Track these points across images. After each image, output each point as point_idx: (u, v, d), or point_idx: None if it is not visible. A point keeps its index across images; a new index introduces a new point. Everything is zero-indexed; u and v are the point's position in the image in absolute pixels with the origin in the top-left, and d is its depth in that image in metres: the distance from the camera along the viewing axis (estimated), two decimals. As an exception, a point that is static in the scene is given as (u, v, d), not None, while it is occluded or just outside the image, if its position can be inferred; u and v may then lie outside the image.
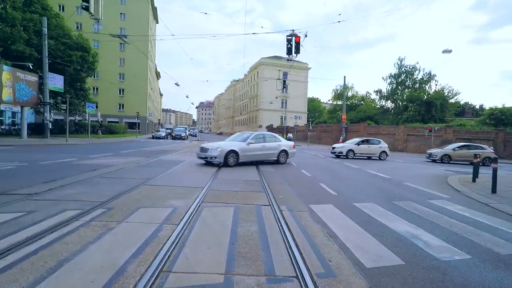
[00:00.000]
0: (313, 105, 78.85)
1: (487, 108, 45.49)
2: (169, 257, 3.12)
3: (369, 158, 19.52)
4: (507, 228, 4.82)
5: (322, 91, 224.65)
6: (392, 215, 5.28)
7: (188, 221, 4.37)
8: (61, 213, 4.42)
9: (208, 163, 11.44)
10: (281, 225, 4.37)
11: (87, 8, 8.58)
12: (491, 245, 3.97)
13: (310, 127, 41.36)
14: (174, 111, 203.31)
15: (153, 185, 7.01)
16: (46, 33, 23.07)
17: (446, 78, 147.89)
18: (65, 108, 26.96)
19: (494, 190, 7.96)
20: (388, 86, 53.98)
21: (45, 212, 4.43)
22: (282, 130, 56.28)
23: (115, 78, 52.19)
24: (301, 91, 72.57)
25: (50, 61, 24.00)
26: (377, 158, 19.41)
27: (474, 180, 9.98)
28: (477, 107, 64.96)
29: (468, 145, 21.02)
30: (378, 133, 35.03)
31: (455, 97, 47.64)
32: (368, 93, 60.41)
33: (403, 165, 16.52)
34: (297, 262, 3.12)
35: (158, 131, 42.43)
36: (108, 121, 47.41)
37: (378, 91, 55.76)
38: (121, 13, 52.58)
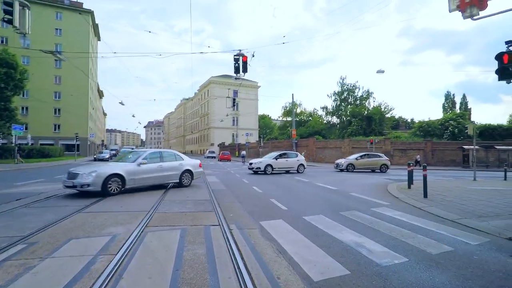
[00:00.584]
0: (264, 122, 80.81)
1: (416, 122, 51.23)
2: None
3: (287, 172, 19.00)
4: (436, 229, 5.29)
5: (272, 109, 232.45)
6: (339, 226, 5.46)
7: (129, 249, 3.98)
8: None
9: (85, 193, 8.57)
10: (229, 245, 4.21)
11: (10, 21, 7.71)
12: (424, 247, 4.29)
13: (261, 144, 42.09)
14: (120, 131, 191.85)
15: (91, 212, 6.34)
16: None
17: (382, 95, 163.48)
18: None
19: (425, 195, 8.78)
20: (333, 102, 57.83)
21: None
22: (234, 147, 56.52)
23: (50, 97, 47.63)
24: (252, 108, 74.15)
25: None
26: (295, 171, 19.06)
27: (409, 187, 10.93)
28: (409, 120, 72.91)
29: (367, 154, 23.54)
30: (326, 146, 37.05)
31: (391, 112, 52.79)
32: (316, 109, 64.16)
33: (349, 176, 17.50)
34: (245, 283, 2.99)
35: (102, 152, 39.00)
36: (41, 144, 42.70)
37: (324, 108, 59.36)
38: (56, 28, 48.81)
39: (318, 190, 10.60)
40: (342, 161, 22.70)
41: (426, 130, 40.19)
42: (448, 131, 38.47)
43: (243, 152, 37.85)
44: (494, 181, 14.51)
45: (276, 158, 18.86)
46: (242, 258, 3.69)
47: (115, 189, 8.72)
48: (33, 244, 4.14)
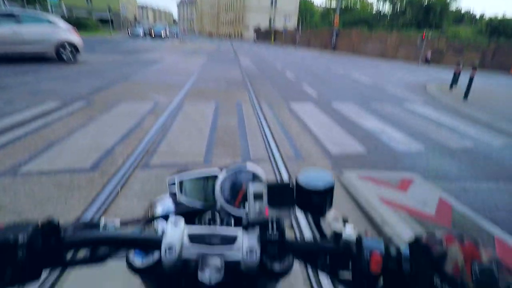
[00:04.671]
0: (305, 6, 72.12)
1: (487, 18, 43.39)
2: (154, 142, 3.37)
3: None
4: (464, 127, 5.32)
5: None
6: (367, 115, 5.62)
7: (171, 114, 4.53)
8: (41, 104, 4.44)
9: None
10: (259, 118, 4.63)
11: None
12: (445, 140, 4.45)
13: (300, 32, 38.81)
14: (151, 8, 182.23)
15: (134, 82, 6.90)
16: None
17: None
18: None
19: (466, 96, 8.35)
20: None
21: (24, 103, 4.44)
22: (270, 33, 52.85)
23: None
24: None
25: None
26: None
27: (451, 88, 10.32)
28: (477, 16, 61.62)
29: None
30: (370, 38, 33.62)
31: (456, 1, 44.45)
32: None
33: (386, 70, 16.50)
34: (270, 148, 3.46)
35: (136, 27, 38.39)
36: (76, 17, 42.40)
37: (377, -8, 50.81)
38: None
39: (350, 82, 10.37)
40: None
41: (494, 28, 34.34)
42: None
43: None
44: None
45: None
46: (271, 130, 4.13)
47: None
48: (91, 103, 4.81)
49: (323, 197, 0.48)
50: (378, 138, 4.24)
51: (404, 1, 44.08)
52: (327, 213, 0.49)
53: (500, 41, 31.32)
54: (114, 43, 22.02)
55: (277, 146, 3.57)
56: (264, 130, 4.11)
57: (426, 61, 27.90)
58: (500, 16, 37.08)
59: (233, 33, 74.86)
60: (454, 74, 10.67)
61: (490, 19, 36.56)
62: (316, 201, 0.48)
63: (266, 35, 57.02)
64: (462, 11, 50.75)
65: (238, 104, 5.51)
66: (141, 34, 34.54)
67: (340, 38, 35.26)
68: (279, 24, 51.77)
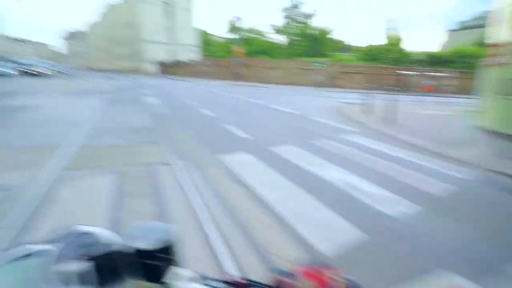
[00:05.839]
0: (207, 39, 73.55)
1: (354, 46, 51.73)
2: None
3: None
4: (422, 162, 4.82)
5: (216, 24, 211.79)
6: (317, 158, 4.63)
7: (31, 206, 2.56)
8: None
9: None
10: (188, 198, 3.06)
11: None
12: (426, 187, 3.72)
13: (205, 62, 38.37)
14: (31, 42, 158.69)
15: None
16: None
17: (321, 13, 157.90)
18: None
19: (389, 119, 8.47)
20: (284, 20, 54.14)
21: None
22: (174, 66, 51.15)
23: None
24: (190, 21, 65.75)
25: None
26: None
27: (369, 111, 10.64)
28: (347, 43, 73.37)
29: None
30: (274, 67, 35.57)
31: (330, 33, 51.84)
32: (263, 27, 59.59)
33: (298, 96, 16.89)
34: (219, 261, 1.95)
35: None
36: None
37: (273, 25, 55.48)
38: None
39: (273, 113, 9.69)
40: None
41: (373, 54, 41.04)
42: (390, 57, 39.83)
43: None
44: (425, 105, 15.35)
45: None
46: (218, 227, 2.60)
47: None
48: None
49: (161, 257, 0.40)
50: (360, 201, 3.16)
51: (295, 32, 49.26)
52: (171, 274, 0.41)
53: (379, 64, 37.26)
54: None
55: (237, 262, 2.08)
56: (201, 223, 2.57)
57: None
58: (375, 44, 44.67)
59: (132, 68, 70.30)
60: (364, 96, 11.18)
61: (370, 46, 43.54)
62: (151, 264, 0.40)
63: (168, 68, 55.21)
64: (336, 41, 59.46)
65: (150, 171, 3.80)
66: (9, 72, 25.56)
67: (245, 67, 36.31)
68: (181, 57, 50.82)
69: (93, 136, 5.53)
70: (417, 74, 33.03)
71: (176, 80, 35.20)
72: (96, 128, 6.25)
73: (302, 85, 33.75)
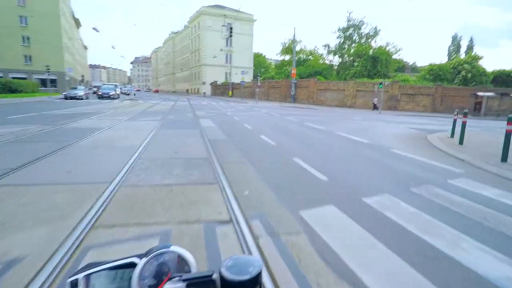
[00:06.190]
0: (259, 61, 75.13)
1: (419, 65, 47.61)
2: None
3: None
4: None
5: (268, 47, 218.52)
6: (434, 222, 3.14)
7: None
8: None
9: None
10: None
11: None
12: None
13: (259, 83, 38.31)
14: (104, 67, 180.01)
15: (10, 185, 3.83)
16: None
17: (387, 34, 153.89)
18: None
19: (504, 158, 6.48)
20: (337, 39, 52.75)
21: None
22: (228, 87, 52.52)
23: (15, 22, 41.26)
24: (247, 45, 67.85)
25: None
26: None
27: (461, 142, 8.60)
28: (411, 63, 68.56)
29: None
30: (328, 88, 34.01)
31: (398, 53, 48.58)
32: (316, 47, 58.67)
33: (365, 123, 15.12)
34: None
35: (75, 88, 30.57)
36: (13, 77, 38.11)
37: (326, 46, 54.29)
38: None
39: (344, 143, 8.24)
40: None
41: (437, 73, 37.11)
42: (460, 75, 35.56)
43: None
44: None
45: None
46: None
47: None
48: None
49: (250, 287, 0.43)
50: None
51: (351, 53, 47.28)
52: None
53: (444, 85, 33.36)
54: (47, 106, 18.55)
55: None
56: None
57: (374, 107, 28.19)
58: (434, 62, 40.68)
59: (190, 89, 74.29)
60: (454, 122, 9.19)
61: (431, 65, 39.71)
62: None
63: (223, 89, 56.85)
64: (400, 59, 55.68)
65: (206, 234, 2.71)
66: (81, 95, 27.85)
67: (299, 89, 35.36)
68: (235, 79, 52.03)
69: (141, 170, 4.73)
70: (495, 96, 28.78)
71: (228, 101, 35.55)
72: (145, 158, 5.51)
73: (360, 107, 31.48)
